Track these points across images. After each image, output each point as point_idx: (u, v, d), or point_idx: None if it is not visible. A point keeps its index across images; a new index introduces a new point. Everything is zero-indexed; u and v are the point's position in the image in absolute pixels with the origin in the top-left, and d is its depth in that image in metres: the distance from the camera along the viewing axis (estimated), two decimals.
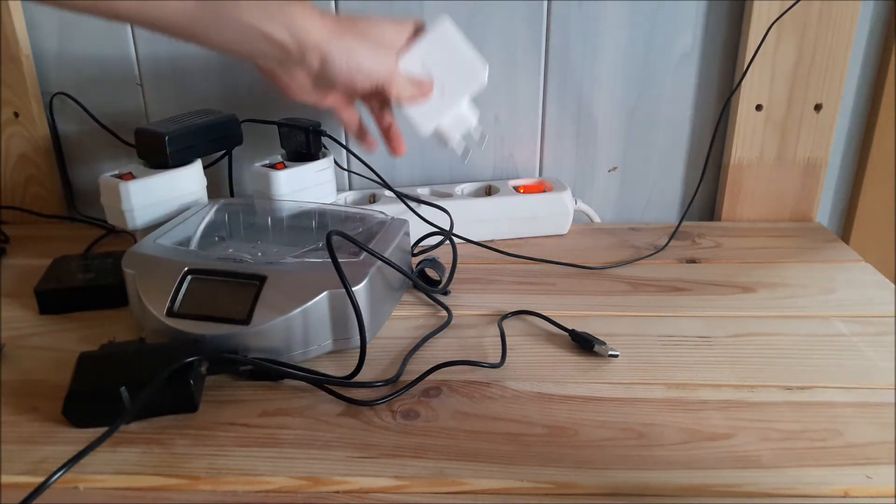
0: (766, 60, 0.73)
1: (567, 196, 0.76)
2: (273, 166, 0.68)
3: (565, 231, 0.77)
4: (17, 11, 0.75)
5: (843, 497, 0.41)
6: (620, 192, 0.83)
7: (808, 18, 0.71)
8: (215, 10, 0.48)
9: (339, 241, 0.57)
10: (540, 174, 0.83)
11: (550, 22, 0.75)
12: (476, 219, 0.74)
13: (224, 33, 0.50)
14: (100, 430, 0.44)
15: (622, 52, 0.76)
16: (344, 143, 0.74)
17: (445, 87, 0.62)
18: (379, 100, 0.62)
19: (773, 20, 0.71)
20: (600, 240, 0.76)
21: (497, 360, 0.53)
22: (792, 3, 0.70)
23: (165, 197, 0.67)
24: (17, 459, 0.44)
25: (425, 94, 0.61)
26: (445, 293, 0.64)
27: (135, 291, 0.56)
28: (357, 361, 0.51)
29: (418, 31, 0.60)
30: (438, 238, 0.69)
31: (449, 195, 0.76)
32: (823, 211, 0.83)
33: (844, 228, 0.84)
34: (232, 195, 0.80)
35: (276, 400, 0.49)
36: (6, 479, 0.42)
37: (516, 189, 0.77)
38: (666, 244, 0.74)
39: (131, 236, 0.69)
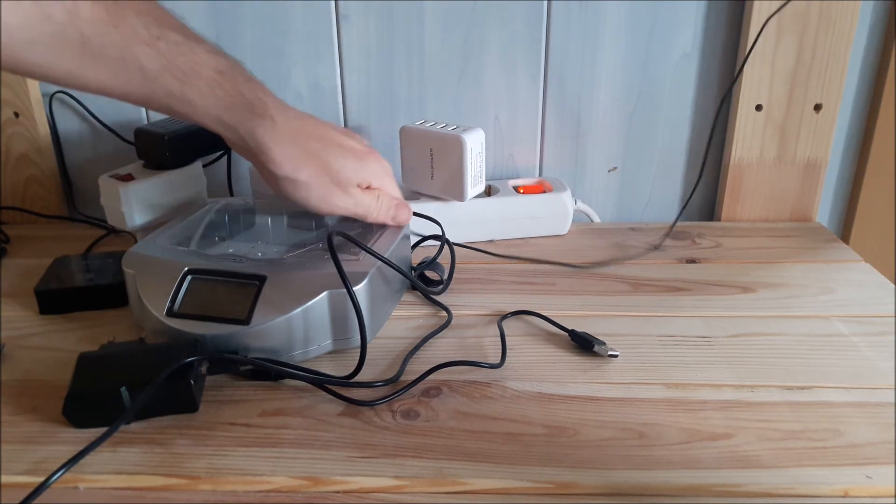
0: (766, 60, 0.73)
1: (567, 196, 0.76)
2: None
3: (565, 231, 0.77)
4: None
5: (843, 497, 0.41)
6: (620, 192, 0.83)
7: (808, 18, 0.71)
8: (186, 106, 0.51)
9: (339, 240, 0.57)
10: (540, 174, 0.83)
11: (550, 22, 0.75)
12: (476, 219, 0.74)
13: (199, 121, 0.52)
14: (100, 430, 0.44)
15: (622, 52, 0.76)
16: None
17: (435, 179, 0.70)
18: None
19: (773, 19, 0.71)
20: (600, 240, 0.76)
21: (497, 360, 0.53)
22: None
23: (165, 197, 0.67)
24: (17, 459, 0.44)
25: (397, 222, 0.62)
26: (441, 286, 0.64)
27: (135, 291, 0.56)
28: (357, 361, 0.51)
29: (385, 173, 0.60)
30: (438, 242, 0.69)
31: None
32: (823, 211, 0.83)
33: (844, 228, 0.84)
34: (232, 195, 0.80)
35: (276, 400, 0.49)
36: (6, 479, 0.42)
37: (516, 189, 0.77)
38: (660, 244, 0.74)
39: (131, 236, 0.69)
